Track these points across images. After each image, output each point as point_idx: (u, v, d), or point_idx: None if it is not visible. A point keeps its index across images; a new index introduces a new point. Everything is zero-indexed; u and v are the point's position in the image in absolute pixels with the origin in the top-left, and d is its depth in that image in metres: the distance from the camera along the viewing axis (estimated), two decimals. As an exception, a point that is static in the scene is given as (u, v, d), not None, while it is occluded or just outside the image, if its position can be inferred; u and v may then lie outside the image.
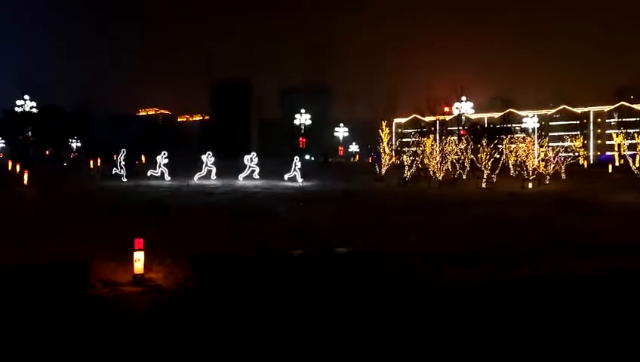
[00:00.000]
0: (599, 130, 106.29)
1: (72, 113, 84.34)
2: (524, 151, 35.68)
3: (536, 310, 6.58)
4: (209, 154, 33.14)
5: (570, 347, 5.34)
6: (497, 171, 33.61)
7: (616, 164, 55.28)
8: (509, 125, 68.85)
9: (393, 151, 38.98)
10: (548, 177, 34.54)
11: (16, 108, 55.46)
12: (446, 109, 67.88)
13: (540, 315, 6.33)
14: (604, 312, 6.49)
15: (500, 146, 36.15)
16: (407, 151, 40.28)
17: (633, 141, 32.05)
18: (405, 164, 36.19)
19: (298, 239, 11.73)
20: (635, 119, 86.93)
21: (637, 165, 26.75)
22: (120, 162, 33.04)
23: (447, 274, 8.37)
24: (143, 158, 74.48)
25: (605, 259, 9.62)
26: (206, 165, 32.45)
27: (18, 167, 35.30)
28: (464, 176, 35.05)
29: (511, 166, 35.72)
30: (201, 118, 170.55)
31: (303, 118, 68.01)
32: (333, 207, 19.42)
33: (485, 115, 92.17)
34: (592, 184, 33.08)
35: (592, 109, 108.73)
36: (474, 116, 78.99)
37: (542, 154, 36.85)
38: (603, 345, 5.38)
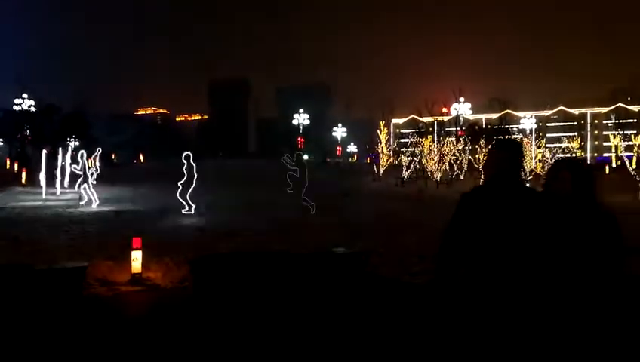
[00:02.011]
0: (596, 132, 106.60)
1: (70, 112, 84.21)
2: (522, 152, 35.78)
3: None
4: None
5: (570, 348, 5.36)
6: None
7: (614, 165, 55.45)
8: (507, 126, 69.03)
9: (391, 152, 39.04)
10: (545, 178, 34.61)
11: (15, 107, 55.38)
12: (444, 110, 68.06)
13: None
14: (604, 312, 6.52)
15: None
16: (405, 151, 40.38)
17: (630, 142, 32.16)
18: (403, 164, 36.29)
19: (295, 239, 11.75)
20: (631, 121, 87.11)
21: (634, 166, 26.83)
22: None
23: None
24: (142, 157, 74.40)
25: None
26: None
27: (16, 166, 35.26)
28: (461, 177, 35.11)
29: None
30: (199, 117, 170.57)
31: (301, 118, 67.99)
32: (331, 205, 19.43)
33: (483, 116, 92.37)
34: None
35: (589, 111, 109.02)
36: (472, 117, 79.13)
37: (539, 156, 36.92)
38: (603, 346, 5.40)
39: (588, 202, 2.95)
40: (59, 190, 23.82)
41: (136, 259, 7.71)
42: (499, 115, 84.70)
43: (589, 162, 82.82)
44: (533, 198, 2.97)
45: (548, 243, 2.82)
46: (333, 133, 79.02)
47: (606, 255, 2.84)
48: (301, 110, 68.98)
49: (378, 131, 40.06)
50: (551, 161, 37.24)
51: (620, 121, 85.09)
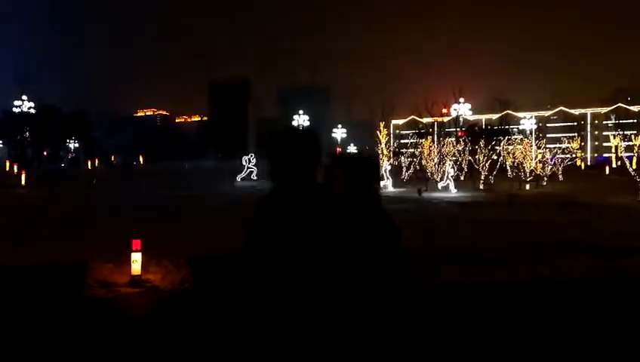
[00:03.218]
0: (596, 132, 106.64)
1: (70, 113, 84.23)
2: (522, 152, 35.75)
3: (536, 311, 6.59)
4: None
5: (570, 349, 5.35)
6: (495, 173, 33.67)
7: (614, 165, 55.41)
8: (507, 127, 68.96)
9: (391, 153, 39.01)
10: (545, 179, 34.58)
11: (14, 109, 55.37)
12: (444, 111, 67.93)
13: (540, 316, 6.35)
14: (605, 313, 6.51)
15: (497, 148, 36.23)
16: (405, 152, 40.34)
17: (630, 143, 32.13)
18: (403, 165, 36.26)
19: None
20: (632, 121, 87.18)
21: (634, 167, 26.84)
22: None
23: (446, 275, 8.37)
24: (141, 159, 74.36)
25: (605, 261, 9.64)
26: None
27: (16, 168, 35.24)
28: (462, 178, 35.07)
29: (508, 167, 35.81)
30: (199, 118, 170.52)
31: (301, 119, 67.99)
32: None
33: (483, 117, 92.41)
34: (590, 185, 33.15)
35: (589, 111, 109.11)
36: (472, 118, 79.11)
37: (539, 156, 36.88)
38: (604, 346, 5.39)
39: (364, 205, 2.44)
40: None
41: (136, 260, 7.70)
42: (499, 115, 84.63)
43: (589, 163, 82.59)
44: (313, 204, 2.42)
45: (316, 253, 2.41)
46: (333, 134, 79.01)
47: (380, 267, 2.40)
48: (301, 111, 68.98)
49: (377, 132, 40.03)
50: (551, 161, 37.23)
51: (620, 122, 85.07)
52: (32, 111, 56.06)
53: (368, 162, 2.60)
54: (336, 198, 2.45)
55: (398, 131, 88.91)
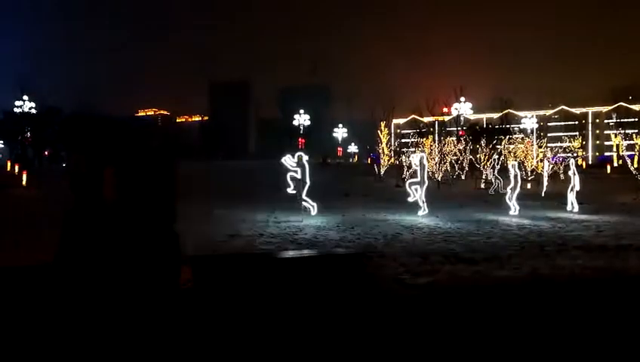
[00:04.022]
0: (598, 131, 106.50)
1: (71, 113, 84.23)
2: (523, 151, 35.75)
3: (537, 311, 6.59)
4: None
5: (571, 349, 5.35)
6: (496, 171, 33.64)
7: (615, 164, 55.39)
8: (508, 126, 68.86)
9: (392, 152, 39.03)
10: (546, 178, 34.57)
11: (15, 109, 55.44)
12: (445, 110, 67.89)
13: (541, 316, 6.34)
14: (604, 313, 6.51)
15: (498, 147, 36.22)
16: (406, 151, 40.37)
17: (631, 141, 32.11)
18: (404, 164, 36.29)
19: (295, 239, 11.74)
20: (633, 120, 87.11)
21: (635, 165, 26.79)
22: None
23: (446, 275, 8.38)
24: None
25: (605, 261, 9.64)
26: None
27: (17, 168, 35.27)
28: (463, 177, 35.06)
29: (509, 167, 35.76)
30: (200, 118, 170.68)
31: (302, 119, 68.04)
32: (332, 206, 19.43)
33: (484, 116, 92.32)
34: (591, 185, 33.11)
35: (590, 110, 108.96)
36: (473, 117, 79.05)
37: (540, 155, 36.88)
38: (604, 346, 5.39)
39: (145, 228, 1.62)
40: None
41: (137, 261, 7.70)
42: (500, 114, 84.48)
43: (590, 161, 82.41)
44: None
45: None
46: (334, 134, 79.03)
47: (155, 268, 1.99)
48: (302, 111, 69.02)
49: (378, 131, 40.05)
50: (552, 160, 37.20)
51: (622, 120, 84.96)
52: (33, 111, 56.11)
53: (159, 159, 1.58)
54: (107, 205, 1.63)
55: (399, 130, 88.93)
